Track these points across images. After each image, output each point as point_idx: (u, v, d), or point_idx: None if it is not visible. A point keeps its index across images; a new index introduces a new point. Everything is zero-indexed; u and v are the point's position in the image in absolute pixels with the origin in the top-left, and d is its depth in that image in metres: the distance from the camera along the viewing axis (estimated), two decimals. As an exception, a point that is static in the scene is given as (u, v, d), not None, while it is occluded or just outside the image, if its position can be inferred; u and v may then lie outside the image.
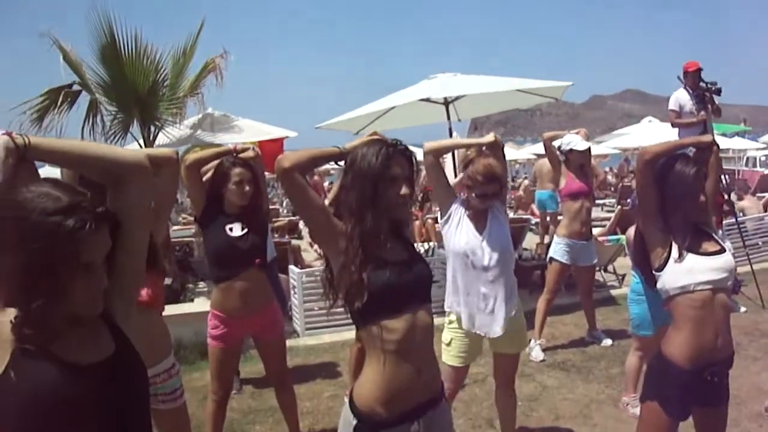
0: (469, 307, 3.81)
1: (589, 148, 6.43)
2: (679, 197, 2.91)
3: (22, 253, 1.45)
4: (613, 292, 8.63)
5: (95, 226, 1.50)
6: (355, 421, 2.34)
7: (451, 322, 3.91)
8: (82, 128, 7.66)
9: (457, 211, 3.85)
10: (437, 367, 2.52)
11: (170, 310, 7.00)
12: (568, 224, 6.41)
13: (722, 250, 2.93)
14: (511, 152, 29.72)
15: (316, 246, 8.53)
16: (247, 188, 4.05)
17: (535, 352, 6.25)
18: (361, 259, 2.28)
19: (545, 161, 9.73)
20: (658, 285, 2.96)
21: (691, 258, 2.87)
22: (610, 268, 9.23)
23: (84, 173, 1.92)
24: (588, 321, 6.78)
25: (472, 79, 8.54)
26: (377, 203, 2.32)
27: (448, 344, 3.91)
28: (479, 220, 3.82)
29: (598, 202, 16.96)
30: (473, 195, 3.76)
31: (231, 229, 4.10)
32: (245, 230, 4.08)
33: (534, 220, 12.13)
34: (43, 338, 1.54)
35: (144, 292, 3.06)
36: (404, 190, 2.37)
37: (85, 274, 1.51)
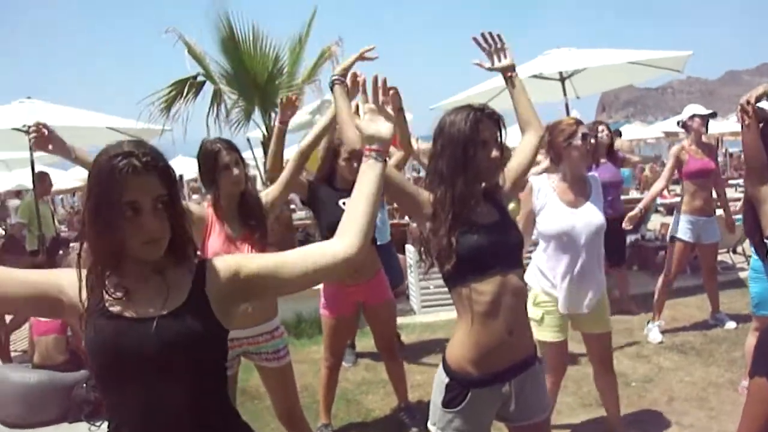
0: (566, 290, 3.70)
1: (707, 118, 6.10)
2: None
3: (88, 193, 1.62)
4: (742, 274, 8.15)
5: (141, 169, 1.59)
6: (447, 380, 2.42)
7: (536, 297, 3.78)
8: (207, 116, 8.02)
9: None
10: (530, 330, 2.52)
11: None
12: (690, 201, 6.12)
13: None
14: (639, 131, 28.75)
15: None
16: (356, 164, 4.14)
17: (653, 334, 6.04)
18: (450, 224, 2.33)
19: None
20: None
21: None
22: (739, 249, 8.77)
23: None
24: (711, 303, 6.47)
25: (588, 52, 8.30)
26: (468, 167, 2.35)
27: (541, 320, 3.79)
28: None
29: (731, 182, 16.12)
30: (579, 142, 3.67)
31: (344, 204, 4.25)
32: None
33: (660, 201, 11.64)
34: (106, 274, 1.66)
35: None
36: (495, 153, 2.39)
37: (134, 215, 1.60)
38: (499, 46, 2.84)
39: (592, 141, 6.19)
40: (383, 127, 1.86)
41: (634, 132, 26.76)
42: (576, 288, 3.68)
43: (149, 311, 1.65)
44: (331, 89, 2.76)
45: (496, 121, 2.43)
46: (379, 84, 1.88)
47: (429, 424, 2.51)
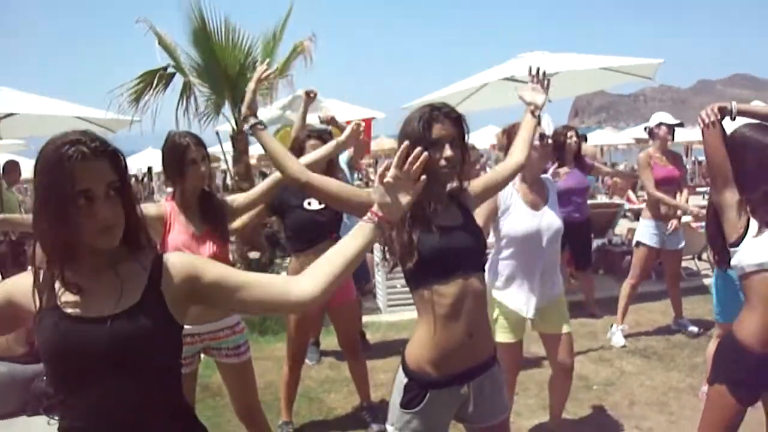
0: (524, 292, 3.73)
1: (674, 127, 6.15)
2: (758, 170, 2.72)
3: (37, 186, 1.58)
4: (706, 281, 8.26)
5: (90, 156, 1.55)
6: (405, 380, 2.41)
7: (494, 299, 3.79)
8: (176, 108, 7.93)
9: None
10: (489, 332, 2.52)
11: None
12: (655, 207, 6.17)
13: None
14: (610, 136, 29.02)
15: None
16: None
17: (616, 338, 6.09)
18: (409, 223, 2.30)
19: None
20: (733, 261, 2.76)
21: None
22: (704, 256, 8.87)
23: None
24: (674, 308, 6.54)
25: (561, 56, 8.34)
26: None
27: (495, 321, 3.77)
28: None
29: (699, 189, 16.31)
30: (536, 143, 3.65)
31: (309, 203, 4.23)
32: (323, 204, 4.17)
33: (628, 206, 11.77)
34: (59, 270, 1.62)
35: (209, 253, 3.27)
36: (448, 153, 2.35)
37: (87, 204, 1.56)
38: (542, 85, 3.12)
39: (573, 141, 6.33)
40: (402, 201, 1.79)
41: (605, 138, 27.04)
42: (536, 289, 3.70)
43: (103, 310, 1.61)
44: (253, 135, 2.67)
45: (454, 120, 2.38)
46: (412, 158, 1.80)
47: (387, 425, 2.48)
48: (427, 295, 2.34)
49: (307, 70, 8.60)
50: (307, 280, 1.71)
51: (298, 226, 4.32)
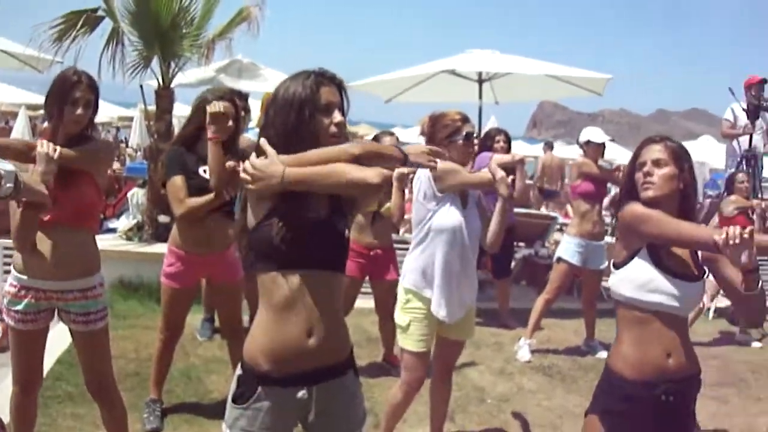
0: (443, 289, 3.53)
1: (604, 144, 6.00)
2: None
3: None
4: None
5: None
6: (240, 371, 2.16)
7: (407, 302, 3.58)
8: (101, 55, 7.40)
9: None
10: (341, 334, 2.20)
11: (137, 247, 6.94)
12: (579, 223, 6.01)
13: (694, 277, 2.52)
14: (562, 150, 29.29)
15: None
16: (230, 123, 3.80)
17: (522, 352, 5.88)
18: (271, 206, 2.01)
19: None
20: (609, 282, 2.62)
21: (651, 272, 2.47)
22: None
23: None
24: (587, 329, 6.36)
25: (510, 58, 8.14)
26: (303, 132, 2.03)
27: (407, 327, 3.58)
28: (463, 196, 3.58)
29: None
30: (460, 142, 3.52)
31: (205, 171, 3.91)
32: None
33: (561, 220, 11.68)
34: None
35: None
36: (338, 118, 2.08)
37: None
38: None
39: (500, 146, 6.11)
40: None
41: (558, 151, 27.20)
42: (456, 288, 3.54)
43: None
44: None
45: (338, 86, 2.13)
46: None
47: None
48: (267, 283, 2.06)
49: (251, 38, 8.21)
50: None
51: (192, 193, 3.96)
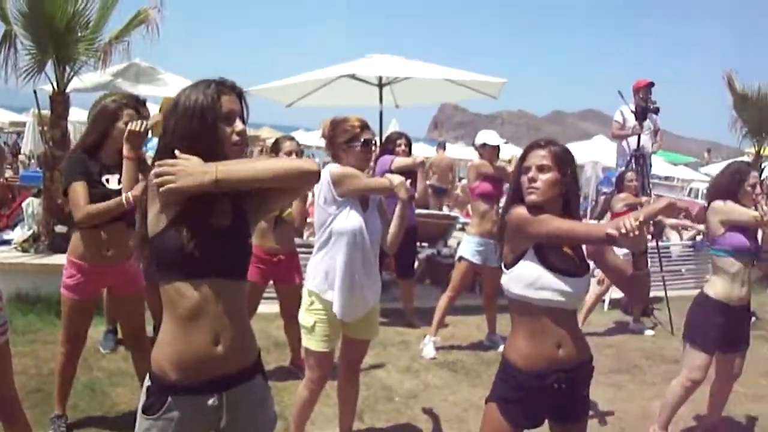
0: (344, 290, 3.59)
1: (499, 147, 6.24)
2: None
3: None
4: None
5: None
6: (148, 382, 2.14)
7: (312, 303, 3.64)
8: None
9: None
10: (247, 340, 2.22)
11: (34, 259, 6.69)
12: (479, 223, 6.20)
13: (579, 273, 2.68)
14: (462, 151, 29.91)
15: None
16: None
17: (427, 349, 6.03)
18: (174, 215, 2.01)
19: None
20: (502, 280, 2.77)
21: (539, 270, 2.64)
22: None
23: None
24: (489, 325, 6.58)
25: (410, 63, 8.30)
26: (205, 140, 2.04)
27: (312, 328, 3.64)
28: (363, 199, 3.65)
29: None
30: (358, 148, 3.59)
31: (108, 181, 3.83)
32: (121, 185, 3.77)
33: (462, 220, 11.95)
34: None
35: None
36: (240, 126, 2.10)
37: None
38: None
39: (401, 150, 6.23)
40: None
41: (457, 152, 27.77)
42: (359, 290, 3.61)
43: None
44: None
45: (239, 95, 2.15)
46: None
47: None
48: (171, 293, 2.05)
49: (148, 41, 8.04)
50: None
51: (96, 201, 3.85)
